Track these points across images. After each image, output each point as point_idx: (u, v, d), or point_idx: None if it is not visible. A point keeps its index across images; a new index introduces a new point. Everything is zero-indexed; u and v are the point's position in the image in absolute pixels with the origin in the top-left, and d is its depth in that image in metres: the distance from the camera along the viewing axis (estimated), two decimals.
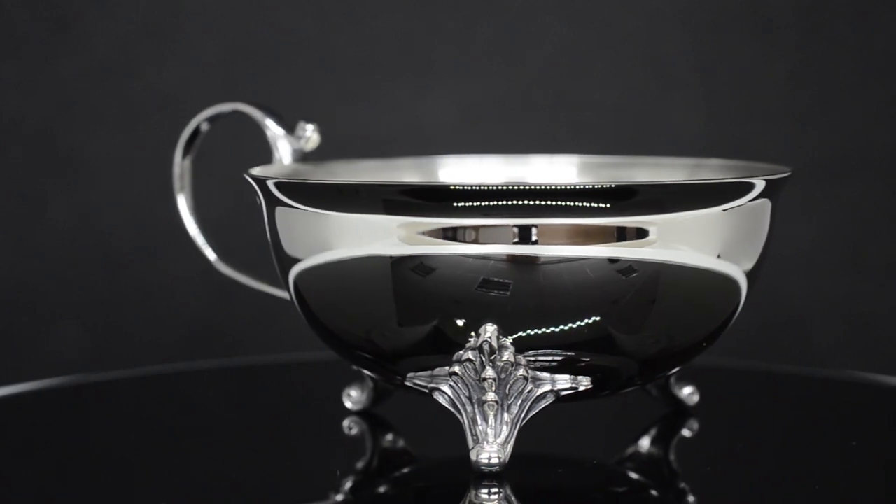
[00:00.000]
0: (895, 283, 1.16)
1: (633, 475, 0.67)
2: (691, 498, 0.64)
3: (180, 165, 0.77)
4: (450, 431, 0.67)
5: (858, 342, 1.16)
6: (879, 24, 1.15)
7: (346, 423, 0.72)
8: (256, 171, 0.69)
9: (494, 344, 0.60)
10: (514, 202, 0.58)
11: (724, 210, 0.62)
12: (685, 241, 0.61)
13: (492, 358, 0.60)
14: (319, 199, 0.62)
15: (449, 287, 0.60)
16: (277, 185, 0.63)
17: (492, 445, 0.61)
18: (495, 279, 0.59)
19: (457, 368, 0.61)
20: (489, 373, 0.60)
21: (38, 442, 0.72)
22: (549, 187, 0.58)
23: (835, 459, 0.69)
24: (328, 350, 0.67)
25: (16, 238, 1.15)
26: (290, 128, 0.74)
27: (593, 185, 0.59)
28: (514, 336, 0.60)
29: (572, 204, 0.59)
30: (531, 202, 0.58)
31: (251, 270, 0.76)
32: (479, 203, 0.59)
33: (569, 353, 0.61)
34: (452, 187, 0.59)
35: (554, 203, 0.58)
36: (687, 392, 0.73)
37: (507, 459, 0.61)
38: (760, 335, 1.14)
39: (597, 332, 0.60)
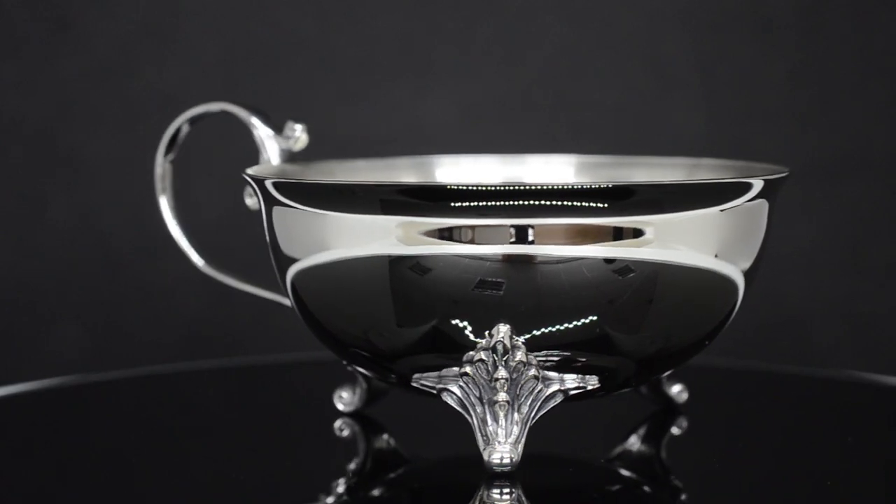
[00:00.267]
0: (895, 283, 1.16)
1: (633, 475, 0.67)
2: (692, 497, 0.64)
3: (162, 166, 0.76)
4: (449, 431, 0.68)
5: (858, 342, 1.16)
6: (879, 24, 1.15)
7: (337, 423, 0.72)
8: (253, 170, 0.69)
9: (508, 344, 0.60)
10: (512, 202, 0.58)
11: (722, 210, 0.62)
12: (683, 241, 0.61)
13: (505, 358, 0.60)
14: (317, 199, 0.62)
15: (446, 287, 0.60)
16: (275, 184, 0.63)
17: (504, 445, 0.61)
18: (492, 279, 0.59)
19: (468, 369, 0.61)
20: (502, 373, 0.60)
21: (38, 442, 0.72)
22: (546, 187, 0.58)
23: (834, 459, 0.69)
24: (327, 350, 0.67)
25: (16, 238, 1.15)
26: (277, 128, 0.73)
27: (591, 186, 0.59)
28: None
29: (570, 204, 0.59)
30: (528, 202, 0.58)
31: (238, 272, 0.75)
32: (476, 203, 0.59)
33: (565, 354, 0.61)
34: (450, 187, 0.59)
35: (551, 203, 0.58)
36: (676, 390, 0.73)
37: (519, 459, 0.61)
38: (760, 335, 1.14)
39: (594, 332, 0.60)
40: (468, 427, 0.63)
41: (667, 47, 1.15)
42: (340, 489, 0.64)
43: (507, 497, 0.60)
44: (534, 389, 0.61)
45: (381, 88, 1.15)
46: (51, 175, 1.14)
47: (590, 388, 0.63)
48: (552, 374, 0.62)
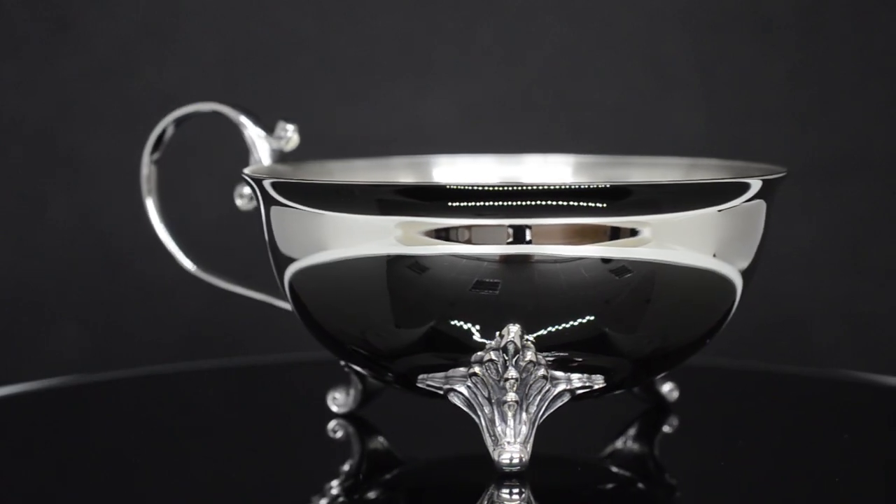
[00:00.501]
0: (895, 283, 1.16)
1: (632, 474, 0.67)
2: (692, 497, 0.64)
3: (148, 166, 0.75)
4: (449, 432, 0.68)
5: (858, 342, 1.16)
6: (879, 24, 1.15)
7: (331, 424, 0.72)
8: (249, 170, 0.69)
9: (519, 344, 0.60)
10: (509, 202, 0.58)
11: (720, 210, 0.62)
12: (680, 241, 0.61)
13: (515, 358, 0.60)
14: (315, 198, 0.62)
15: (444, 287, 0.60)
16: (273, 184, 0.63)
17: (514, 446, 0.61)
18: (490, 279, 0.59)
19: (477, 369, 0.61)
20: (512, 373, 0.60)
21: (38, 442, 0.72)
22: (544, 187, 0.58)
23: (833, 459, 0.69)
24: (327, 350, 0.67)
25: (16, 238, 1.15)
26: (268, 128, 0.73)
27: (588, 186, 0.59)
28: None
29: (567, 204, 0.59)
30: (526, 202, 0.58)
31: (231, 274, 0.75)
32: (474, 203, 0.59)
33: (563, 354, 0.61)
34: (448, 187, 0.59)
35: (549, 203, 0.58)
36: (667, 389, 0.73)
37: (528, 459, 0.61)
38: (760, 335, 1.14)
39: (592, 332, 0.60)
40: (466, 427, 0.63)
41: (667, 47, 1.15)
42: (341, 489, 0.64)
43: (517, 497, 0.60)
44: (542, 389, 0.61)
45: (381, 88, 1.15)
46: (51, 175, 1.15)
47: (596, 387, 0.63)
48: (559, 373, 0.62)
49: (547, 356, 0.61)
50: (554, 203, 0.58)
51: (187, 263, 0.76)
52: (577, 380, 0.62)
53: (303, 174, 0.74)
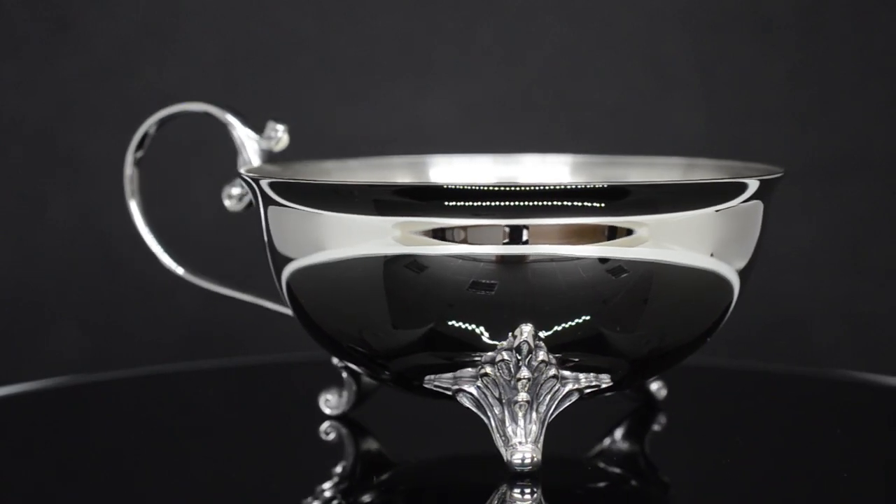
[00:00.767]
0: (895, 283, 1.16)
1: (629, 473, 0.67)
2: (693, 497, 0.64)
3: (131, 166, 0.74)
4: (444, 433, 0.68)
5: (858, 342, 1.16)
6: (879, 24, 1.15)
7: (324, 426, 0.72)
8: (246, 170, 0.69)
9: (532, 344, 0.60)
10: (506, 202, 0.58)
11: (717, 210, 0.62)
12: (678, 241, 0.61)
13: (528, 358, 0.60)
14: (312, 198, 0.62)
15: (441, 287, 0.60)
16: (271, 184, 0.63)
17: (525, 445, 0.61)
18: (486, 280, 0.59)
19: (488, 369, 0.61)
20: (524, 373, 0.60)
21: (38, 442, 0.72)
22: (541, 187, 0.58)
23: (832, 459, 0.69)
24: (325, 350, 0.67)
25: (16, 238, 1.15)
26: (257, 128, 0.73)
27: (585, 186, 0.59)
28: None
29: (564, 204, 0.59)
30: (523, 202, 0.58)
31: (222, 278, 0.75)
32: (470, 203, 0.59)
33: (559, 354, 0.61)
34: (445, 187, 0.59)
35: (546, 203, 0.58)
36: (656, 387, 0.74)
37: (539, 459, 0.61)
38: (760, 335, 1.14)
39: (589, 332, 0.60)
40: (463, 428, 0.63)
41: (667, 47, 1.15)
42: (335, 491, 0.64)
43: (530, 497, 0.60)
44: (552, 389, 0.61)
45: (381, 88, 1.15)
46: (51, 175, 1.15)
47: (604, 386, 0.63)
48: (568, 373, 0.62)
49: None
50: (551, 203, 0.58)
51: (171, 264, 0.75)
52: (584, 379, 0.62)
53: (298, 174, 0.74)
